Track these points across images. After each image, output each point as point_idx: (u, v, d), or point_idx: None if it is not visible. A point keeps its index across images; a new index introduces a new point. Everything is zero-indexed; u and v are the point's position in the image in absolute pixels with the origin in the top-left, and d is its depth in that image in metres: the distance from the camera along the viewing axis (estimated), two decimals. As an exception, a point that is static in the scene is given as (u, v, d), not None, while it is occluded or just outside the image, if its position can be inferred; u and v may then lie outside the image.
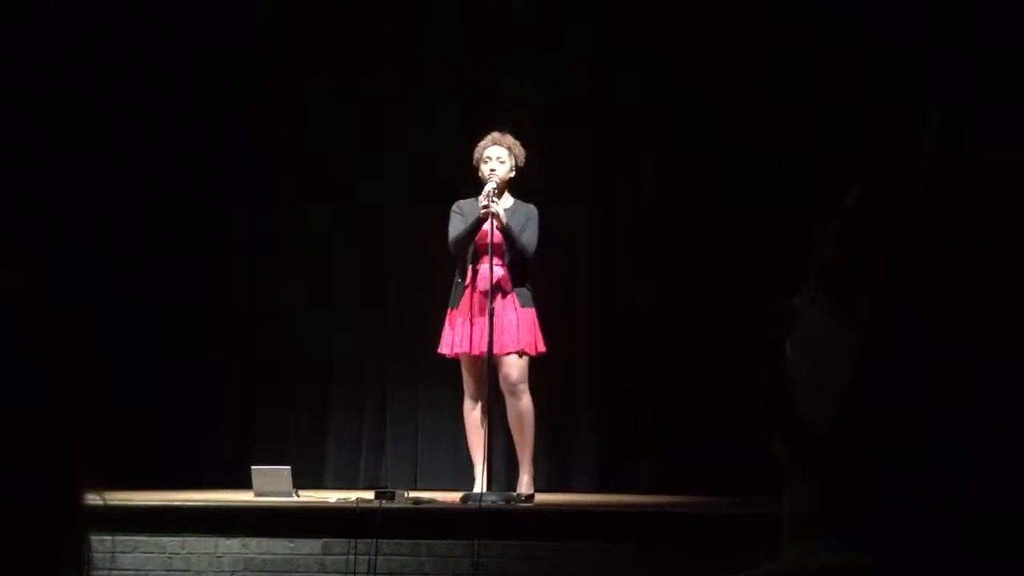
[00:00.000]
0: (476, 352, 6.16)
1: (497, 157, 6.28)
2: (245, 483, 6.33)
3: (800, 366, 0.71)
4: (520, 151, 6.34)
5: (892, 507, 0.66)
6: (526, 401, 6.27)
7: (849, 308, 0.67)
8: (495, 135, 6.34)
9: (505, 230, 6.17)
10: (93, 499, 0.76)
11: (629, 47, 7.91)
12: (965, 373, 0.64)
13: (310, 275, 8.00)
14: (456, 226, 6.26)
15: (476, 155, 6.35)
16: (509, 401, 6.30)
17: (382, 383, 7.95)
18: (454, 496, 6.16)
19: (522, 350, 6.23)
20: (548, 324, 6.43)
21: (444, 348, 6.33)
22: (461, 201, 6.35)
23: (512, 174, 6.34)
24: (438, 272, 6.92)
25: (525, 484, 6.24)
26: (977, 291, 0.64)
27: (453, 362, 6.43)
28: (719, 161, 7.65)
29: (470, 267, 6.24)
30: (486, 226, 6.12)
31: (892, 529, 0.66)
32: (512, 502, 5.97)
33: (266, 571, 5.57)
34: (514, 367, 6.23)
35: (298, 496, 6.11)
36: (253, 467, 6.26)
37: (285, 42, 8.07)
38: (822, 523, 0.69)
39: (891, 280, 0.66)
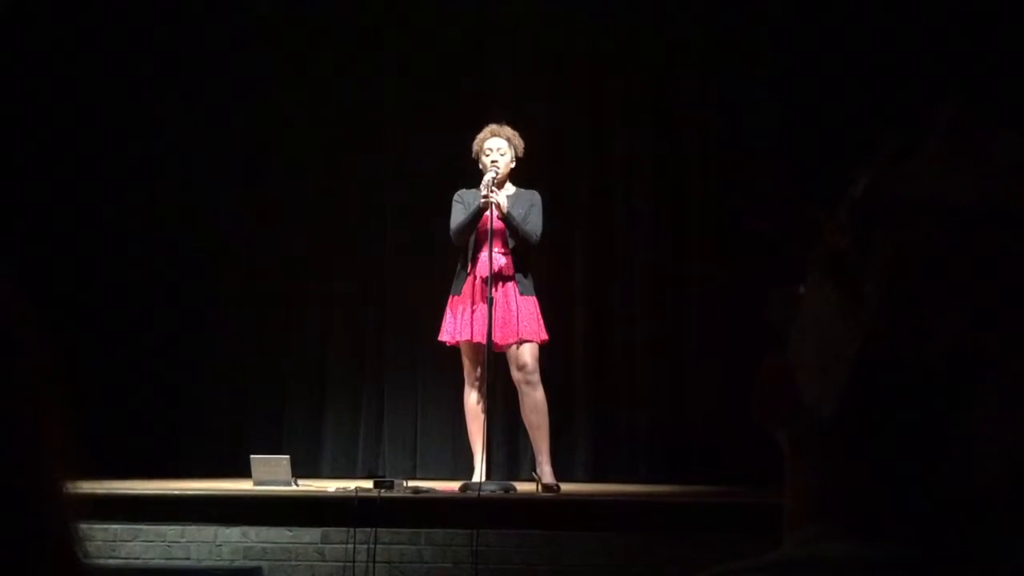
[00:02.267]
0: (476, 340, 6.17)
1: (497, 148, 6.31)
2: (244, 472, 6.34)
3: (804, 356, 0.71)
4: (519, 141, 6.38)
5: (891, 498, 0.66)
6: (541, 391, 6.28)
7: (853, 299, 0.67)
8: (493, 127, 6.38)
9: (506, 218, 6.19)
10: (78, 489, 0.75)
11: (628, 46, 7.91)
12: (968, 364, 0.64)
13: (309, 264, 8.01)
14: (457, 215, 6.28)
15: (475, 148, 6.38)
16: (524, 391, 6.30)
17: (380, 372, 7.96)
18: (453, 485, 6.17)
19: (527, 339, 6.24)
20: (546, 315, 6.44)
21: (445, 336, 6.34)
22: (463, 190, 6.37)
23: (513, 164, 6.37)
24: (437, 262, 6.93)
25: (548, 474, 6.24)
26: (981, 284, 0.64)
27: (451, 350, 6.44)
28: (718, 155, 7.66)
29: (472, 255, 6.26)
30: (487, 215, 6.15)
31: (891, 522, 0.66)
32: (511, 492, 5.99)
33: (265, 560, 5.58)
34: (527, 355, 6.24)
35: (297, 485, 6.11)
36: (252, 456, 6.26)
37: (284, 36, 8.06)
38: (822, 514, 0.69)
39: (895, 272, 0.66)
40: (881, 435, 0.67)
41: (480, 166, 6.36)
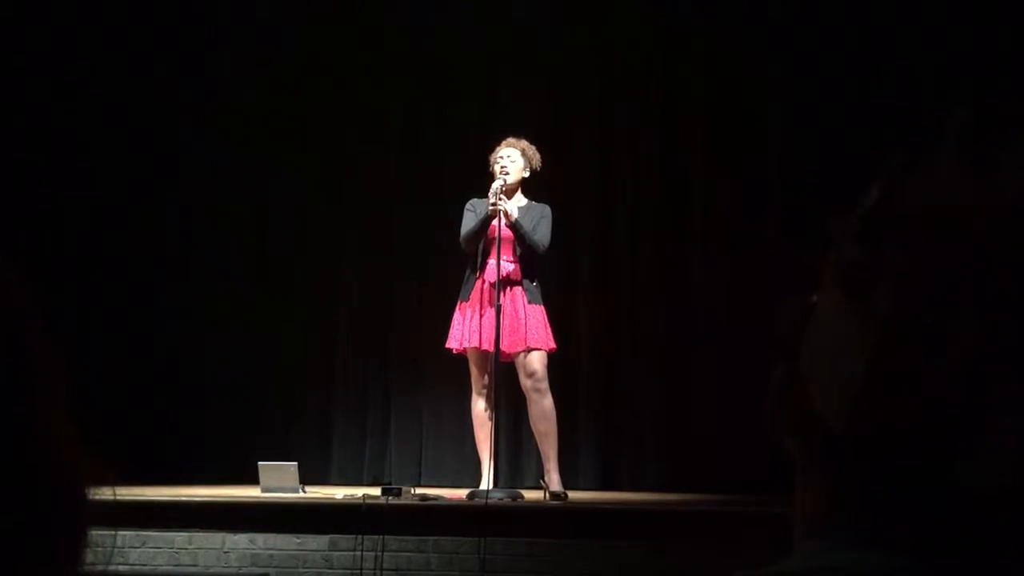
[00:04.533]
0: (484, 347, 6.17)
1: (507, 156, 6.34)
2: (252, 479, 6.34)
3: (815, 365, 0.71)
4: (534, 153, 6.41)
5: (902, 508, 0.66)
6: (550, 399, 6.29)
7: (865, 308, 0.67)
8: (510, 139, 6.44)
9: (514, 227, 6.21)
10: (98, 494, 0.74)
11: (628, 48, 7.91)
12: (978, 375, 0.64)
13: (315, 272, 8.01)
14: (468, 222, 6.31)
15: (491, 160, 6.41)
16: (533, 399, 6.30)
17: (386, 378, 7.96)
18: (459, 492, 6.17)
19: (535, 347, 6.24)
20: (551, 322, 6.43)
21: (452, 343, 6.34)
22: (475, 199, 6.39)
23: (525, 174, 6.40)
24: (443, 269, 6.94)
25: (555, 482, 6.24)
26: (993, 293, 0.64)
27: (456, 357, 6.44)
28: (721, 160, 7.65)
29: (480, 262, 6.27)
30: (495, 222, 6.16)
31: (901, 530, 0.66)
32: (519, 499, 5.99)
33: (273, 566, 5.58)
34: (536, 362, 6.25)
35: (305, 492, 6.12)
36: (260, 463, 6.27)
37: (287, 40, 8.07)
38: (833, 524, 0.69)
39: (907, 281, 0.66)
40: (891, 445, 0.66)
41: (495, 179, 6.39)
